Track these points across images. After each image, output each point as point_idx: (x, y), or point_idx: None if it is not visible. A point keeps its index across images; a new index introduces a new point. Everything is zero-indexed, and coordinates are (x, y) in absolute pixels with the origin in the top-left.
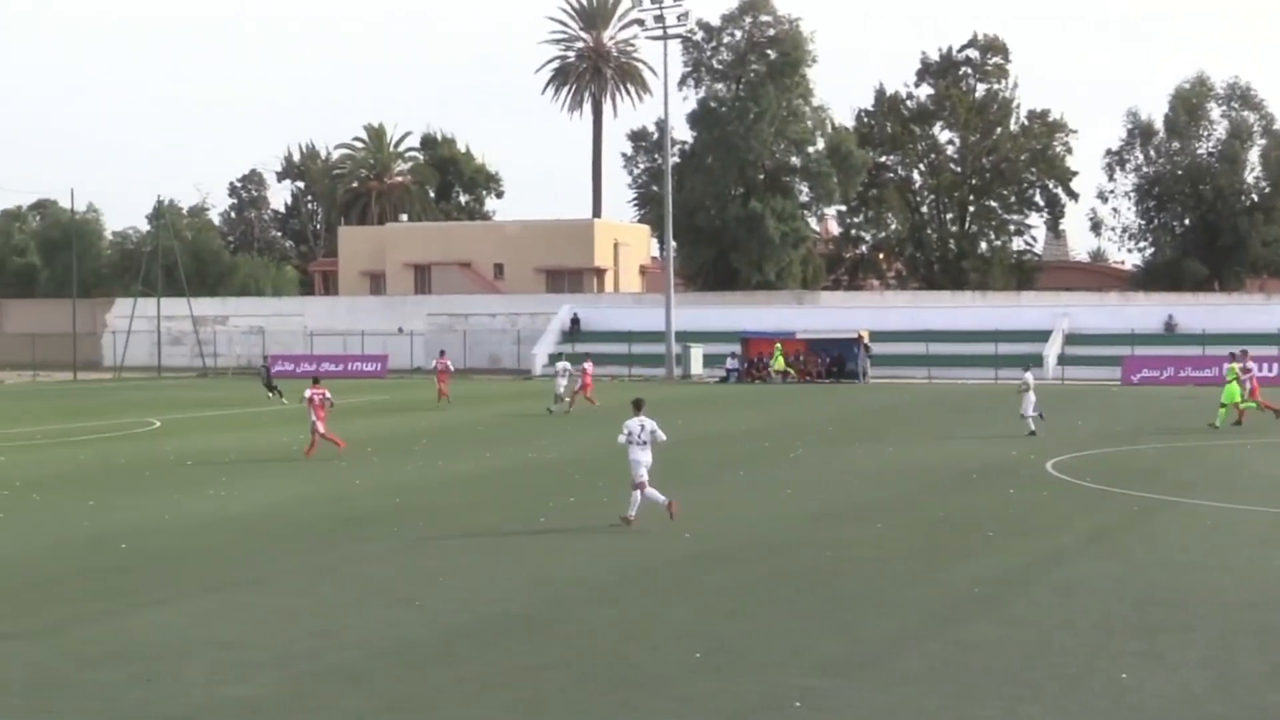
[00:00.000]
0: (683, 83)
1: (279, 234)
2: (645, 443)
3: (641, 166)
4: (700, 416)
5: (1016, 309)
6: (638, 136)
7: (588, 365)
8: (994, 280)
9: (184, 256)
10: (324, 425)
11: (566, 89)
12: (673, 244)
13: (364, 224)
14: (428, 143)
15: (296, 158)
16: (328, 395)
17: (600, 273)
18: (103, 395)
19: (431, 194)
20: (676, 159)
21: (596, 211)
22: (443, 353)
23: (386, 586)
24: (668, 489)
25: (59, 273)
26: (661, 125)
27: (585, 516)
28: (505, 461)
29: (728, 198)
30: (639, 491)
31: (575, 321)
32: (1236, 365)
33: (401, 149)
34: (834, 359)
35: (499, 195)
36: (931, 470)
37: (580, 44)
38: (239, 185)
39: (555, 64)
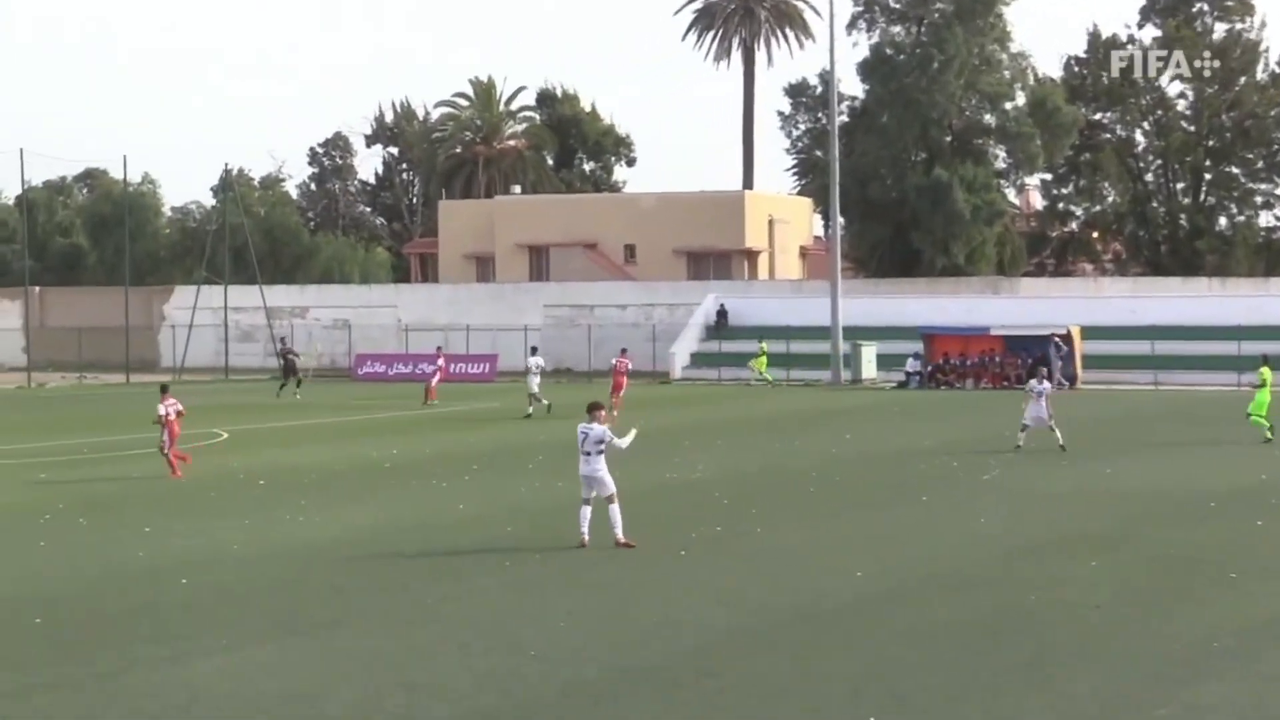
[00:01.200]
0: (852, 25)
1: (368, 209)
2: (589, 453)
3: (802, 127)
4: (874, 429)
5: (1264, 299)
6: (797, 91)
7: (624, 359)
8: (1236, 264)
9: (255, 236)
10: (174, 442)
11: (711, 35)
12: (840, 220)
13: (469, 197)
14: (545, 100)
15: (389, 118)
16: (179, 408)
17: (752, 255)
18: (278, 399)
19: (549, 161)
20: (845, 118)
21: (748, 182)
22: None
23: (494, 631)
24: (836, 513)
25: (109, 256)
26: (827, 77)
27: (733, 549)
28: (638, 482)
29: (907, 164)
30: (611, 505)
31: (722, 314)
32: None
33: (514, 107)
34: (1036, 359)
35: (630, 163)
36: (1158, 496)
37: None
38: (320, 151)
39: (698, 4)
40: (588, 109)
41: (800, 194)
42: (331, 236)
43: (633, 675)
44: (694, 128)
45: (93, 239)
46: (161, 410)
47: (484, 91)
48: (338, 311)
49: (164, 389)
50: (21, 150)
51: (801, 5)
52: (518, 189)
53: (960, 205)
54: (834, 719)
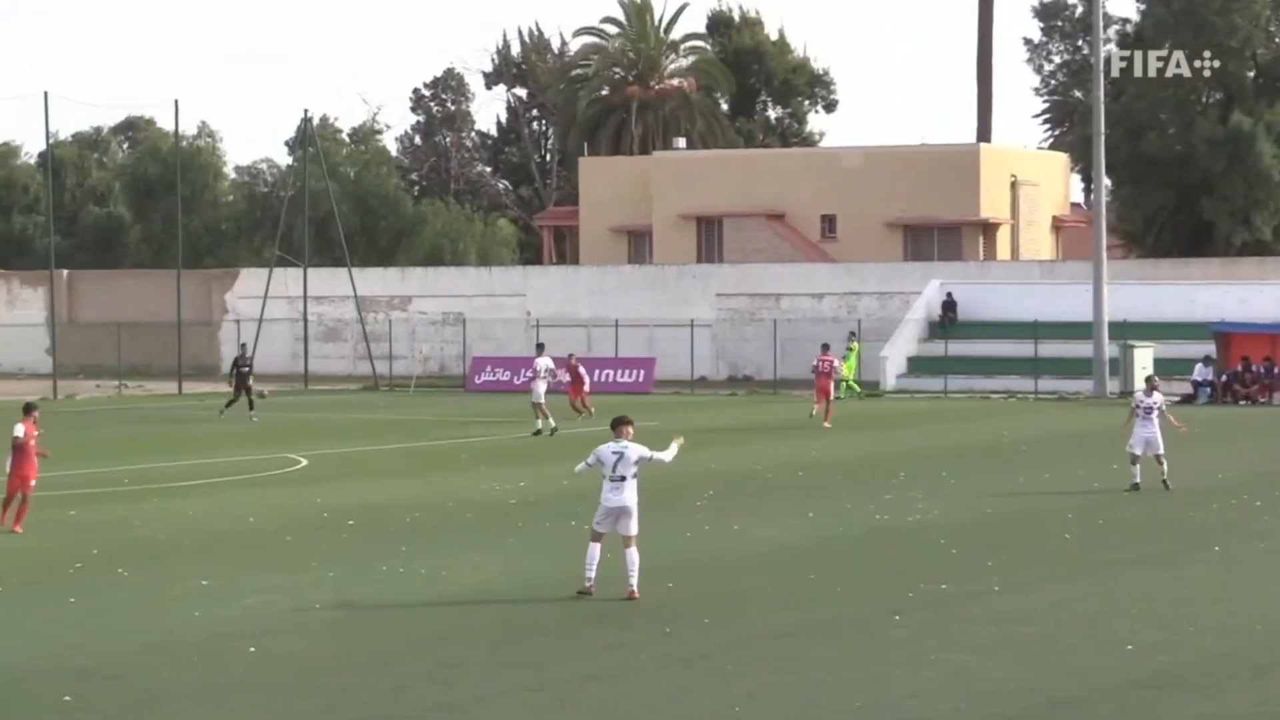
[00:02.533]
0: None
1: (488, 170)
2: (623, 478)
3: (1056, 60)
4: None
5: None
6: (1050, 12)
7: (827, 358)
8: None
9: (343, 205)
10: (30, 484)
11: None
12: (1106, 183)
13: (618, 153)
14: (717, 25)
15: (516, 51)
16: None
17: (989, 229)
18: (221, 417)
19: (724, 106)
20: (1113, 46)
21: (984, 133)
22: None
23: (645, 717)
24: (1098, 569)
25: (156, 230)
26: None
27: (964, 614)
28: (839, 525)
29: (1195, 110)
30: (628, 548)
31: (949, 306)
32: None
33: (677, 36)
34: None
35: (829, 108)
36: None
37: None
38: (427, 95)
39: None
40: (774, 38)
41: (1053, 148)
42: (441, 205)
43: None
44: (914, 63)
45: (136, 208)
46: (20, 430)
47: (638, 15)
48: (449, 302)
49: (28, 409)
50: (46, 94)
51: None
52: (682, 143)
53: (1267, 162)
54: None
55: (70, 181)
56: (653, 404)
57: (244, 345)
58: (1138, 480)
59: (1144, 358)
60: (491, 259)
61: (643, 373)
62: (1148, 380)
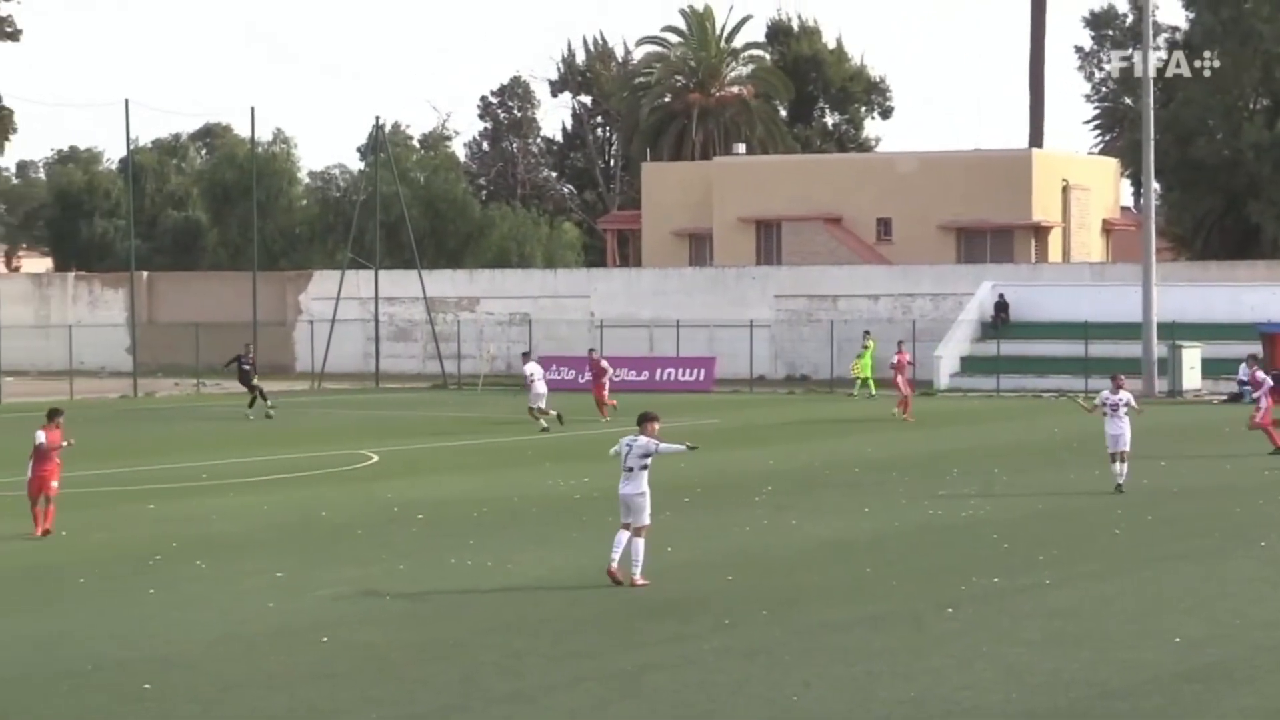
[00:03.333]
0: None
1: (554, 175)
2: (630, 469)
3: (1106, 68)
4: (1196, 456)
5: None
6: (1101, 20)
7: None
8: None
9: (413, 210)
10: (50, 487)
11: None
12: (1155, 187)
13: (680, 159)
14: (777, 35)
15: (580, 60)
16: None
17: (1041, 232)
18: (295, 414)
19: (782, 113)
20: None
21: (1036, 139)
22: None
23: (710, 709)
24: (1147, 563)
25: (233, 234)
26: (1140, 3)
27: (1016, 607)
28: (894, 520)
29: (1243, 115)
30: (637, 537)
31: (1001, 307)
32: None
33: (737, 45)
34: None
35: (885, 115)
36: None
37: None
38: (494, 102)
39: None
40: (831, 46)
41: (1103, 153)
42: (508, 209)
43: None
44: (967, 70)
45: (213, 212)
46: (41, 437)
47: (700, 24)
48: (515, 303)
49: (52, 414)
50: (127, 102)
51: None
52: (742, 148)
53: None
54: None
55: (150, 187)
56: (713, 402)
57: (247, 345)
58: (1124, 477)
59: (1192, 358)
60: (557, 261)
61: (703, 372)
62: (1113, 378)
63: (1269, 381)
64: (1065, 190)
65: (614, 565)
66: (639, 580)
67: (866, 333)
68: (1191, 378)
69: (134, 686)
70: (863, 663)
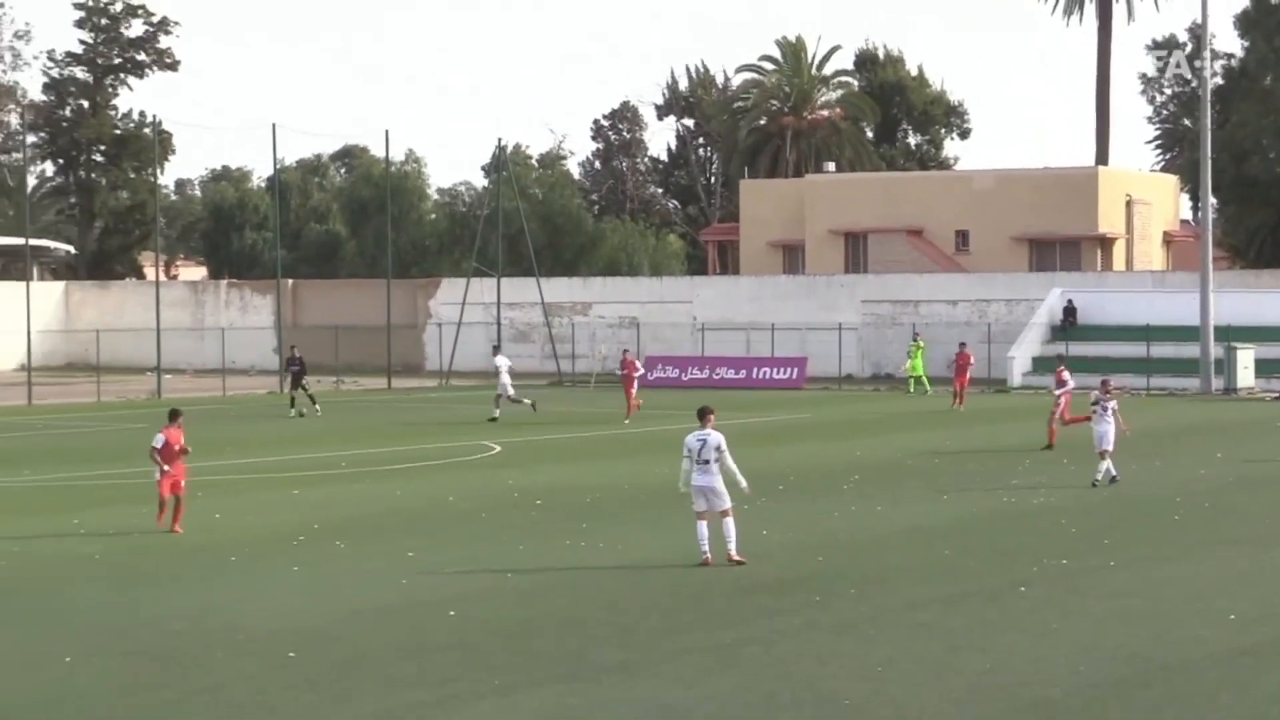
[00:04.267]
0: None
1: (659, 191)
2: (707, 462)
3: (1167, 92)
4: (1251, 449)
5: None
6: (1163, 47)
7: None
8: None
9: (532, 223)
10: (180, 488)
11: None
12: (1212, 202)
13: (775, 176)
14: (864, 63)
15: (684, 86)
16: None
17: (1106, 243)
18: (425, 409)
19: (869, 134)
20: (1219, 80)
21: (1102, 157)
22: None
23: (804, 679)
24: (1204, 547)
25: (369, 245)
26: (1198, 32)
27: (1082, 587)
28: (970, 506)
29: None
30: (725, 519)
31: (1069, 311)
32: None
33: (827, 72)
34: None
35: (963, 135)
36: None
37: None
38: (606, 125)
39: None
40: (914, 73)
41: (1164, 170)
42: (618, 222)
43: None
44: (1039, 94)
45: (351, 226)
46: (159, 440)
47: (793, 54)
48: (624, 308)
49: (174, 415)
50: (274, 125)
51: None
52: (831, 166)
53: None
54: None
55: (294, 202)
56: (804, 399)
57: (293, 347)
58: (1114, 474)
59: (1246, 358)
60: (662, 270)
61: (796, 370)
62: (1102, 383)
63: None
64: (1129, 204)
65: (708, 554)
66: (736, 557)
67: (916, 335)
68: (1245, 376)
69: (280, 654)
70: (942, 637)
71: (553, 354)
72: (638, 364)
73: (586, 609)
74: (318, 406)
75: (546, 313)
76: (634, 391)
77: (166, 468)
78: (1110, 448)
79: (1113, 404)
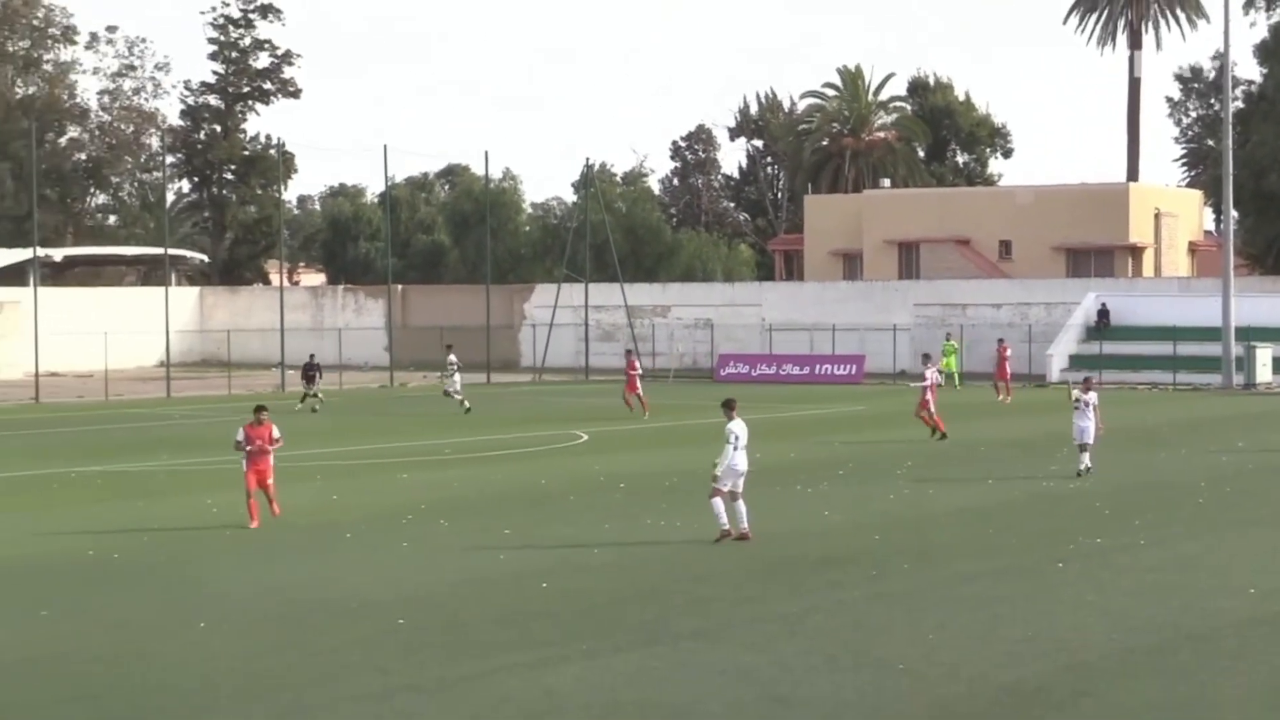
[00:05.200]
0: (1249, 4)
1: (731, 205)
2: (745, 447)
3: (1192, 115)
4: (1269, 438)
5: None
6: (1189, 77)
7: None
8: None
9: (616, 234)
10: (266, 479)
11: (1095, 18)
12: (1234, 214)
13: (836, 191)
14: (916, 89)
15: (754, 110)
16: (276, 435)
17: (1136, 251)
18: (520, 401)
19: (920, 153)
20: (1240, 104)
21: (1132, 174)
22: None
23: (863, 645)
24: (1227, 526)
25: (470, 254)
26: (1220, 61)
27: (1115, 562)
28: (1014, 490)
29: None
30: (736, 500)
31: (1103, 314)
32: None
33: (883, 97)
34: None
35: (1006, 154)
36: None
37: None
38: (683, 145)
39: None
40: (961, 98)
41: (1189, 186)
42: (694, 233)
43: (1006, 693)
44: (1075, 117)
45: (454, 236)
46: (242, 435)
47: (852, 81)
48: (700, 310)
49: (259, 411)
50: (385, 147)
51: None
52: (887, 183)
53: None
54: None
55: (403, 215)
56: (863, 392)
57: (312, 355)
58: (1089, 466)
59: (1264, 356)
60: (734, 276)
61: (854, 367)
62: (1084, 380)
63: None
64: (1157, 217)
65: (727, 525)
66: (748, 532)
67: (949, 336)
68: (1264, 373)
69: (390, 620)
70: (988, 607)
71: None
72: (638, 364)
73: (666, 581)
74: (316, 404)
75: (629, 315)
76: (639, 389)
77: (250, 447)
78: (1090, 441)
79: (1093, 400)
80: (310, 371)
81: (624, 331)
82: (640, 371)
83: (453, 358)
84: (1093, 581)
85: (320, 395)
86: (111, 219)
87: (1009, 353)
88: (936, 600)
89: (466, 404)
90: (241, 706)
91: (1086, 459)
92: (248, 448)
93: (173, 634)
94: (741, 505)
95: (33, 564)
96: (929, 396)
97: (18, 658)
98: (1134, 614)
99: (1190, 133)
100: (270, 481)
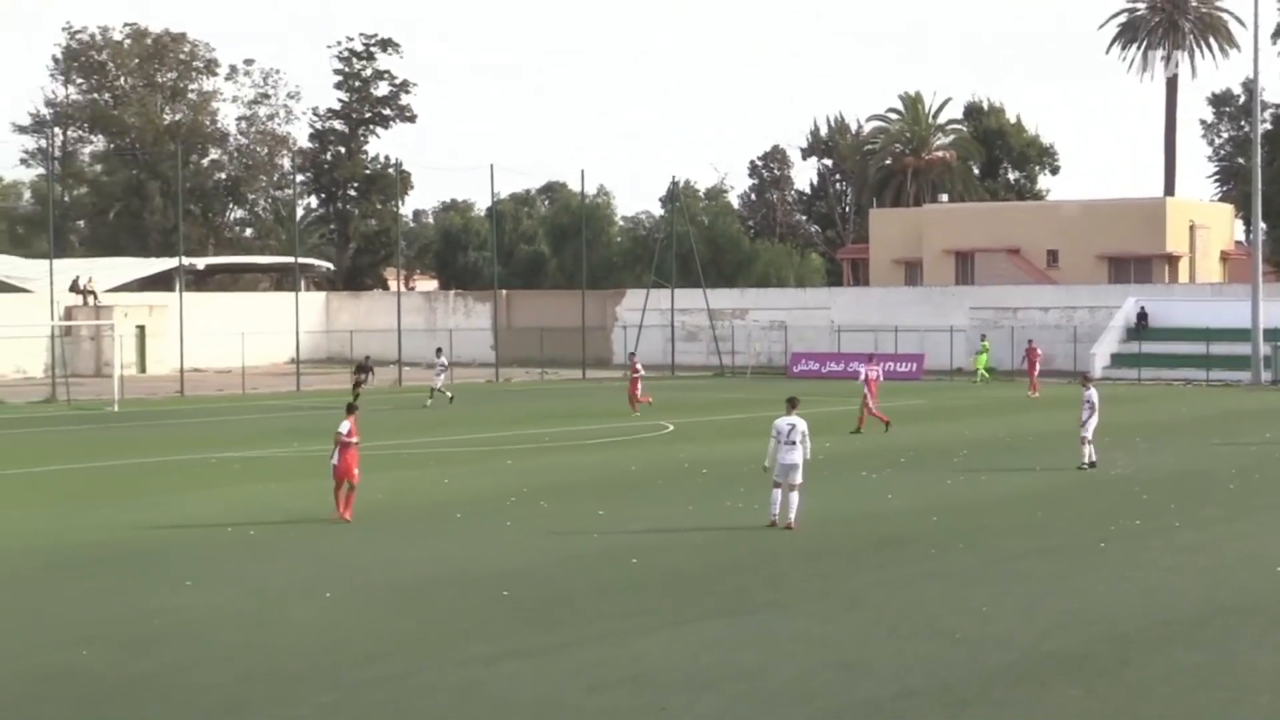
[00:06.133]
0: (1278, 34)
1: (803, 217)
2: (794, 443)
3: (1224, 136)
4: None
5: None
6: (1220, 101)
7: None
8: None
9: (699, 244)
10: (352, 473)
11: (1135, 47)
12: (1261, 225)
13: (898, 205)
14: (972, 113)
15: (824, 132)
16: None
17: (1172, 260)
18: (612, 395)
19: (975, 171)
20: (1268, 125)
21: (1169, 189)
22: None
23: (922, 616)
24: (1257, 510)
25: (568, 262)
26: (1250, 86)
27: (1153, 543)
28: (1059, 478)
29: None
30: (791, 492)
31: (1142, 316)
32: None
33: (941, 120)
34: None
35: (1054, 172)
36: None
37: None
38: (760, 164)
39: (1122, 18)
40: (1013, 121)
41: (1221, 200)
42: (769, 243)
43: (1053, 661)
44: (1116, 138)
45: (553, 246)
46: (345, 427)
47: (913, 106)
48: (774, 313)
49: (351, 407)
50: (491, 166)
51: (1225, 16)
52: (945, 198)
53: None
54: (1250, 709)
55: (508, 227)
56: (922, 388)
57: (367, 356)
58: (1093, 459)
59: None
60: (805, 282)
61: (915, 365)
62: (1084, 376)
63: None
64: (1191, 228)
65: (776, 517)
66: (794, 524)
67: (983, 336)
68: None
69: (496, 592)
70: (1035, 584)
71: (716, 351)
72: (639, 366)
73: (744, 558)
74: (448, 396)
75: (711, 317)
76: (639, 390)
77: (352, 439)
78: (1088, 435)
79: (1093, 396)
80: (363, 373)
81: (706, 332)
82: (643, 373)
83: (443, 359)
84: (1132, 560)
85: (446, 391)
86: (248, 231)
87: (1039, 352)
88: (989, 576)
89: (449, 394)
90: (363, 667)
91: (1085, 452)
92: (352, 439)
93: (303, 603)
94: (794, 498)
95: (179, 540)
96: (870, 391)
97: (167, 622)
98: (1170, 589)
99: (1222, 152)
100: (356, 476)
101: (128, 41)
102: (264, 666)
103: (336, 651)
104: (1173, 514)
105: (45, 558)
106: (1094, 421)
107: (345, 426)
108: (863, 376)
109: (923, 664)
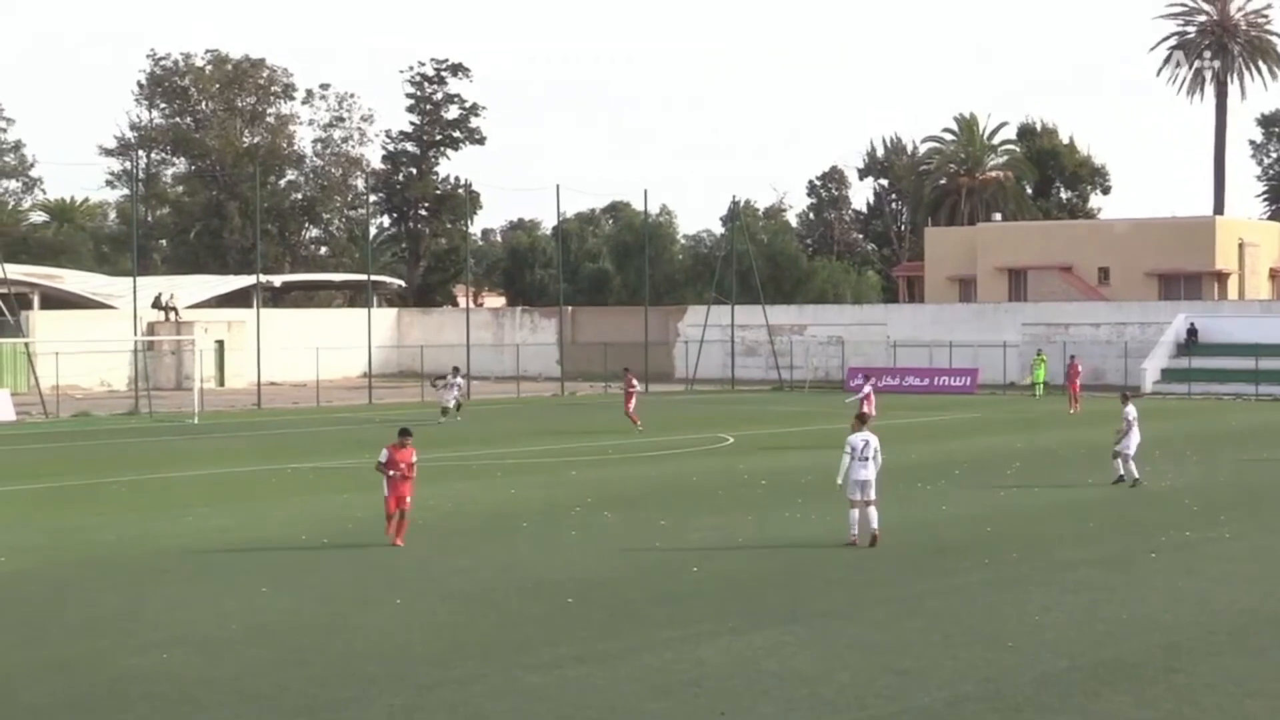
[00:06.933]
0: None
1: (860, 236)
2: (868, 459)
3: (1273, 155)
4: None
5: None
6: (1270, 121)
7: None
8: None
9: (759, 261)
10: (405, 503)
11: (1185, 69)
12: None
13: (953, 224)
14: (1025, 134)
15: (880, 153)
16: (413, 460)
17: (1222, 277)
18: (674, 408)
19: (1028, 190)
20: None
21: (1218, 208)
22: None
23: (975, 624)
24: None
25: (631, 279)
26: None
27: (1201, 553)
28: (1111, 489)
29: None
30: (858, 511)
31: (1191, 332)
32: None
33: (995, 141)
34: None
35: (1105, 191)
36: None
37: (1203, 17)
38: (818, 184)
39: (1172, 41)
40: (1065, 141)
41: (1270, 219)
42: (827, 261)
43: (1104, 669)
44: (1167, 158)
45: (617, 264)
46: (385, 456)
47: (968, 127)
48: (832, 329)
49: (404, 435)
50: (558, 186)
51: (1274, 39)
52: (998, 216)
53: None
54: None
55: (573, 246)
56: (976, 401)
57: (455, 368)
58: (1122, 474)
59: None
60: (862, 299)
61: (969, 379)
62: (1123, 393)
63: None
64: (1240, 246)
65: (855, 536)
66: (879, 535)
67: (1039, 351)
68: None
69: (561, 599)
70: (1088, 592)
71: (775, 365)
72: (635, 382)
73: (801, 567)
74: (457, 416)
75: (770, 333)
76: (631, 406)
77: (393, 472)
78: (1130, 452)
79: (1132, 414)
80: (443, 380)
81: (765, 347)
82: (638, 389)
83: (459, 379)
84: (1182, 569)
85: (449, 407)
86: (323, 250)
87: (1080, 368)
88: (1042, 585)
89: (458, 414)
90: (432, 671)
91: (1118, 467)
92: (390, 472)
93: (373, 608)
94: (872, 512)
95: (255, 546)
96: (868, 402)
97: (243, 625)
98: (1219, 599)
99: (1271, 171)
100: (409, 504)
101: (209, 67)
102: (335, 670)
103: (405, 656)
104: (1223, 525)
105: (133, 563)
106: (1136, 438)
107: (385, 454)
108: (865, 391)
109: (976, 671)
